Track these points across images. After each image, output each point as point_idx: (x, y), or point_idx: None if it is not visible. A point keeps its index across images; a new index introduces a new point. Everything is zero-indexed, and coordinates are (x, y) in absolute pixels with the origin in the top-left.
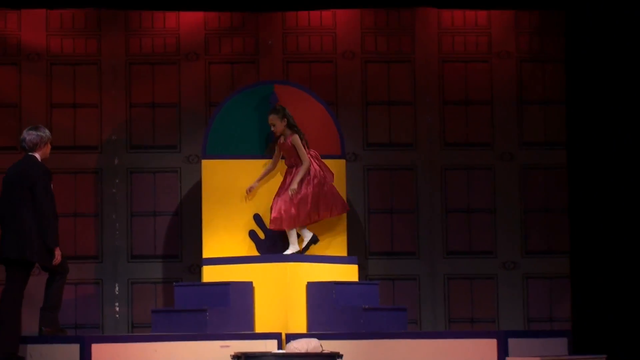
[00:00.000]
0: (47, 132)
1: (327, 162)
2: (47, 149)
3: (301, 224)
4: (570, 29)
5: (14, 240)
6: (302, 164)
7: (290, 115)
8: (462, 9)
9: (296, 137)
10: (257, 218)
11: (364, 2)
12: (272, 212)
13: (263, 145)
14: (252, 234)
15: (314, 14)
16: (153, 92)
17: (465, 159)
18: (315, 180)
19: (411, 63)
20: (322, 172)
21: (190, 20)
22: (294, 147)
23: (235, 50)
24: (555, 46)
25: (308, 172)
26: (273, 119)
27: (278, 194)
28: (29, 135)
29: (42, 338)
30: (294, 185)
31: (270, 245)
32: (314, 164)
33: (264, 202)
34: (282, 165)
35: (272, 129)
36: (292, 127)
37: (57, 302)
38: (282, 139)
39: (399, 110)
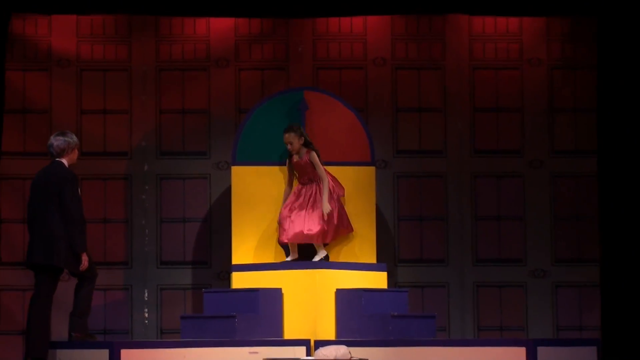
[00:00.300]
0: (75, 137)
1: (357, 168)
2: (75, 154)
3: (329, 240)
4: (602, 35)
5: (42, 245)
6: (320, 180)
7: (306, 134)
8: (494, 16)
9: (314, 154)
10: None
11: (395, 8)
12: (298, 227)
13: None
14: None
15: (345, 20)
16: (183, 98)
17: (495, 166)
18: (335, 196)
19: (442, 70)
20: (336, 188)
21: (220, 26)
22: (311, 164)
23: (265, 57)
24: (587, 53)
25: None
26: (290, 137)
27: (296, 209)
28: (56, 140)
29: (72, 343)
30: (327, 205)
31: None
32: (330, 180)
33: None
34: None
35: (289, 147)
36: (308, 144)
37: (86, 308)
38: (296, 157)
39: (429, 117)
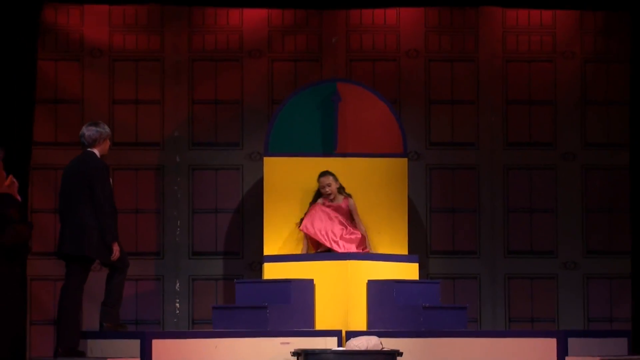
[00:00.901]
0: (107, 128)
1: (389, 160)
2: (106, 145)
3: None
4: (635, 29)
5: (73, 236)
6: (356, 228)
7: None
8: (527, 9)
9: (352, 201)
10: None
11: (429, 0)
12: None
13: (324, 144)
14: None
15: (378, 12)
16: (216, 89)
17: (527, 158)
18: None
19: (475, 62)
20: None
21: (253, 17)
22: (349, 211)
23: (298, 48)
24: (620, 47)
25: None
26: (329, 179)
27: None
28: (88, 130)
29: (103, 333)
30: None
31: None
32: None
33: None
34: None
35: (327, 189)
36: (342, 190)
37: (118, 298)
38: (327, 201)
39: (461, 109)
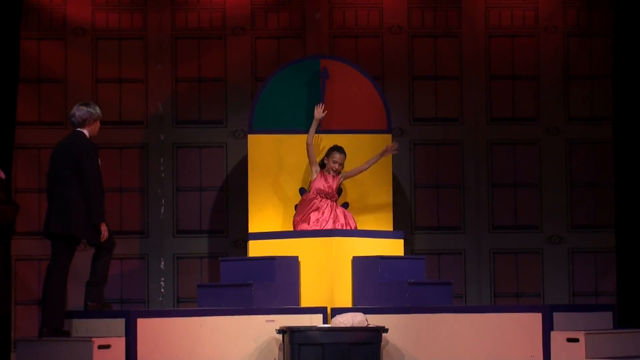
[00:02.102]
0: (98, 109)
1: (373, 136)
2: (96, 126)
3: None
4: (618, 1)
5: (60, 215)
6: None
7: None
8: None
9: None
10: (303, 192)
11: None
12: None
13: (308, 120)
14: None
15: None
16: (199, 66)
17: (511, 133)
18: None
19: (458, 37)
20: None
21: None
22: (339, 186)
23: (281, 25)
24: (602, 20)
25: None
26: (343, 159)
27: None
28: (78, 110)
29: (87, 313)
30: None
31: None
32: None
33: (309, 175)
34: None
35: (337, 166)
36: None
37: (103, 277)
38: (332, 173)
39: (445, 85)
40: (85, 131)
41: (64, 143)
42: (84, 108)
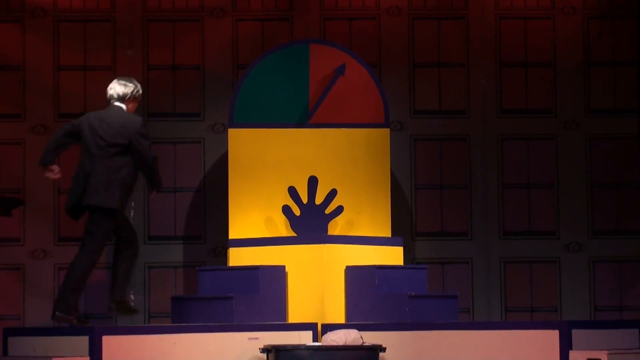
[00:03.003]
0: (139, 87)
1: (370, 131)
2: (134, 107)
3: None
4: None
5: (106, 189)
6: None
7: None
8: None
9: None
10: (293, 191)
11: None
12: None
13: (297, 112)
14: (286, 210)
15: None
16: (173, 53)
17: (524, 127)
18: None
19: (464, 20)
20: None
21: None
22: None
23: (266, 6)
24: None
25: None
26: None
27: None
28: (119, 84)
29: (49, 329)
30: None
31: (308, 223)
32: None
33: (299, 174)
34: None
35: None
36: None
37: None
38: None
39: (450, 73)
40: (124, 106)
41: (106, 116)
42: (127, 83)
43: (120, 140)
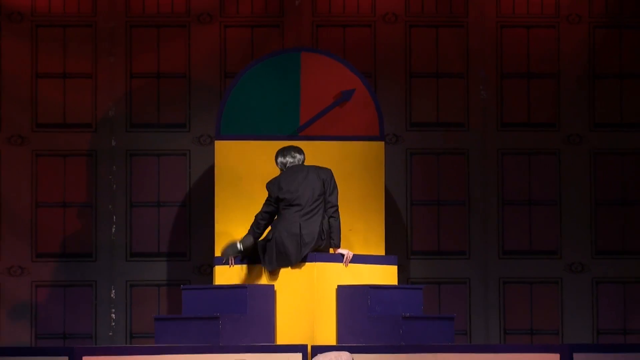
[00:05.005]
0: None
1: (363, 144)
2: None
3: None
4: None
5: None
6: None
7: None
8: None
9: None
10: None
11: None
12: None
13: (287, 124)
14: None
15: None
16: (158, 60)
17: (525, 142)
18: None
19: (464, 28)
20: None
21: None
22: None
23: (255, 12)
24: (635, 8)
25: None
26: None
27: None
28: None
29: (26, 349)
30: None
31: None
32: None
33: None
34: None
35: None
36: None
37: None
38: None
39: (448, 84)
40: None
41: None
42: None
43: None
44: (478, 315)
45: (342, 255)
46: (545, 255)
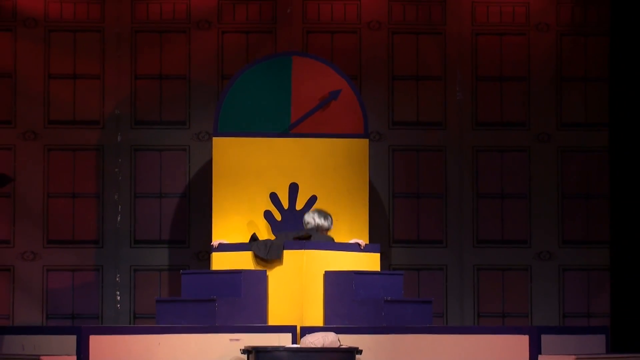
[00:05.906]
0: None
1: (349, 141)
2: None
3: None
4: None
5: None
6: None
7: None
8: None
9: None
10: (274, 197)
11: None
12: None
13: (279, 122)
14: (268, 215)
15: None
16: (160, 62)
17: (498, 139)
18: None
19: (442, 35)
20: None
21: None
22: None
23: (250, 19)
24: (599, 18)
25: None
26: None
27: None
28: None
29: (37, 328)
30: None
31: (288, 228)
32: None
33: (280, 181)
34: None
35: None
36: None
37: None
38: None
39: (427, 86)
40: None
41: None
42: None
43: None
44: (454, 299)
45: (359, 244)
46: (516, 244)
